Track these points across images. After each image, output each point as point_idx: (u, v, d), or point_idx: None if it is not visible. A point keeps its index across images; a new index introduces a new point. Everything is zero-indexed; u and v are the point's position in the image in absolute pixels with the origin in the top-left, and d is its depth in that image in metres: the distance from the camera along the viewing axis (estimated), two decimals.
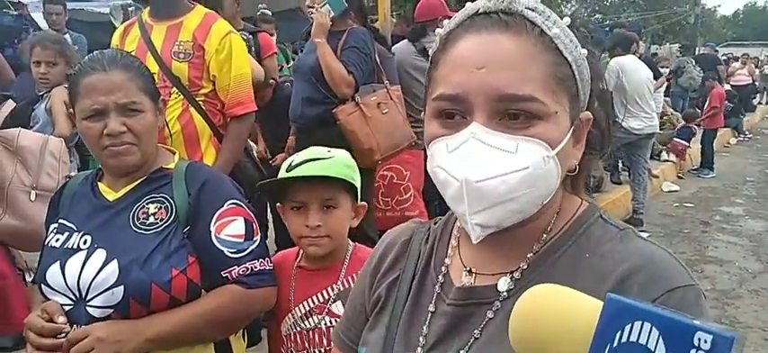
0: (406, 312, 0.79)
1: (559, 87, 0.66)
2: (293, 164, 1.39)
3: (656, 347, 0.44)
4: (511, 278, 0.71)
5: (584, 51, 0.70)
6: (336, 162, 1.40)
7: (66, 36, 5.33)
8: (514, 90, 0.63)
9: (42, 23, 5.79)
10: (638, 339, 0.45)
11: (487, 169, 0.63)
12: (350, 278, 1.41)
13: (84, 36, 5.50)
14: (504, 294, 0.71)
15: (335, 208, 1.39)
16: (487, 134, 0.64)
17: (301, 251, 1.47)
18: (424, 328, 0.76)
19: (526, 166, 0.63)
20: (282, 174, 1.40)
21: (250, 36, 3.74)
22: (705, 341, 0.42)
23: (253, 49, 3.68)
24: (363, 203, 1.47)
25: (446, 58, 0.68)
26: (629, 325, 0.46)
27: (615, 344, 0.46)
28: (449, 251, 0.79)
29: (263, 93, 3.36)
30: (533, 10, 0.67)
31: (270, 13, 5.15)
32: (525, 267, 0.71)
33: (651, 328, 0.45)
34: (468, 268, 0.76)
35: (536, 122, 0.64)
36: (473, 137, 0.64)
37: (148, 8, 2.38)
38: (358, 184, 1.43)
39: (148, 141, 1.35)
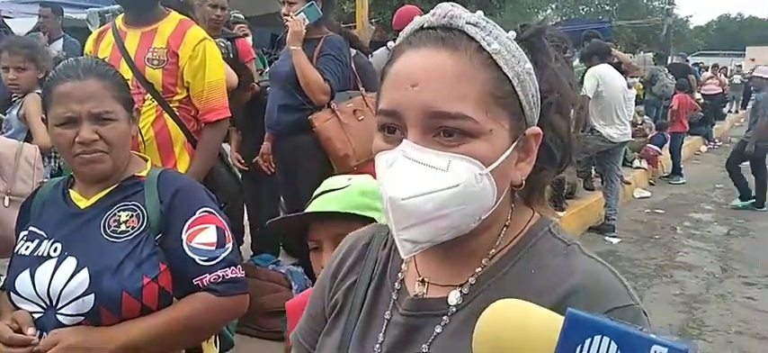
0: (361, 319, 0.79)
1: (496, 105, 0.66)
2: (313, 196, 1.28)
3: None
4: (460, 292, 0.72)
5: (529, 66, 0.69)
6: (350, 192, 1.26)
7: (60, 41, 5.27)
8: (444, 108, 0.64)
9: (16, 29, 5.70)
10: None
11: (414, 187, 0.64)
12: None
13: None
14: (453, 308, 0.72)
15: None
16: (418, 151, 0.64)
17: None
18: (380, 335, 0.76)
19: (457, 183, 0.64)
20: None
21: (228, 42, 3.75)
22: None
23: (231, 55, 3.69)
24: None
25: (389, 72, 0.69)
26: (589, 339, 0.48)
27: None
28: (406, 258, 0.77)
29: (242, 95, 3.37)
30: (475, 25, 0.67)
31: (242, 16, 5.14)
32: (473, 281, 0.72)
33: (610, 342, 0.47)
34: (421, 278, 0.76)
35: (469, 140, 0.65)
36: (402, 155, 0.65)
37: (122, 15, 2.38)
38: (379, 211, 1.28)
39: (120, 150, 1.36)
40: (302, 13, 2.86)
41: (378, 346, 0.76)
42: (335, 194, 1.26)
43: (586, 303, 0.64)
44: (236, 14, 5.03)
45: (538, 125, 0.72)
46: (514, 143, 0.69)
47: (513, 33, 0.71)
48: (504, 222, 0.74)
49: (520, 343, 0.53)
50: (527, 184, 0.73)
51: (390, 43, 3.84)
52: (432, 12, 0.70)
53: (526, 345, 0.52)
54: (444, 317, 0.72)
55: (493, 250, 0.73)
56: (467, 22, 0.67)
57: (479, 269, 0.72)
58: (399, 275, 0.79)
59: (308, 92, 2.87)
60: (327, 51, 2.90)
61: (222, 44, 3.59)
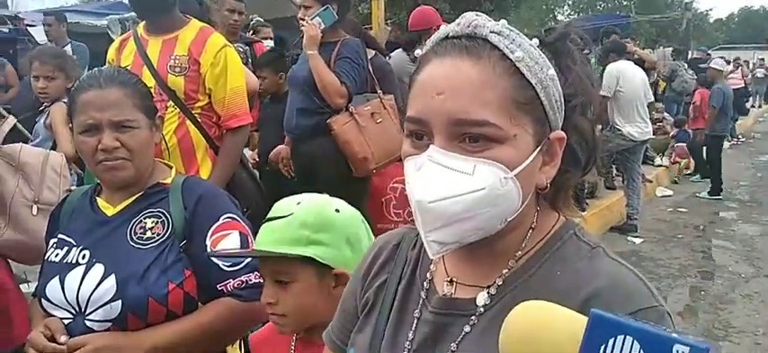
0: (392, 317, 0.82)
1: (520, 111, 0.68)
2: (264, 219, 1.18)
3: None
4: (487, 293, 0.74)
5: (552, 72, 0.71)
6: (290, 224, 1.12)
7: (68, 47, 5.40)
8: (468, 115, 0.66)
9: (39, 37, 5.85)
10: (621, 352, 0.48)
11: (441, 190, 0.66)
12: None
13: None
14: (481, 308, 0.74)
15: (290, 283, 1.13)
16: (444, 156, 0.67)
17: None
18: (411, 333, 0.78)
19: (482, 187, 0.66)
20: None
21: (246, 47, 3.79)
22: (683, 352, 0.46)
23: (249, 60, 3.73)
24: (343, 271, 1.14)
25: (416, 81, 0.72)
26: (613, 339, 0.49)
27: None
28: (435, 258, 0.80)
29: (272, 82, 3.47)
30: (498, 34, 0.69)
31: (263, 19, 5.20)
32: (501, 282, 0.74)
33: (633, 341, 0.48)
34: (449, 278, 0.78)
35: (493, 145, 0.67)
36: (429, 159, 0.68)
37: (144, 23, 2.41)
38: (319, 245, 1.13)
39: (142, 157, 1.38)
40: (317, 18, 2.87)
41: (408, 343, 0.78)
42: (276, 224, 1.15)
43: (610, 304, 0.64)
44: (258, 18, 5.09)
45: (562, 129, 0.73)
46: (539, 147, 0.70)
47: (535, 40, 0.73)
48: (530, 225, 0.75)
49: (546, 343, 0.54)
50: (552, 186, 0.74)
51: (418, 51, 3.87)
52: (456, 21, 0.72)
53: (552, 345, 0.53)
54: (472, 317, 0.74)
55: (519, 252, 0.75)
56: (490, 31, 0.69)
57: (506, 271, 0.74)
58: (428, 274, 0.81)
59: (325, 95, 2.88)
60: (344, 54, 2.91)
61: (241, 49, 3.63)
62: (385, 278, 0.86)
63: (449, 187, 0.66)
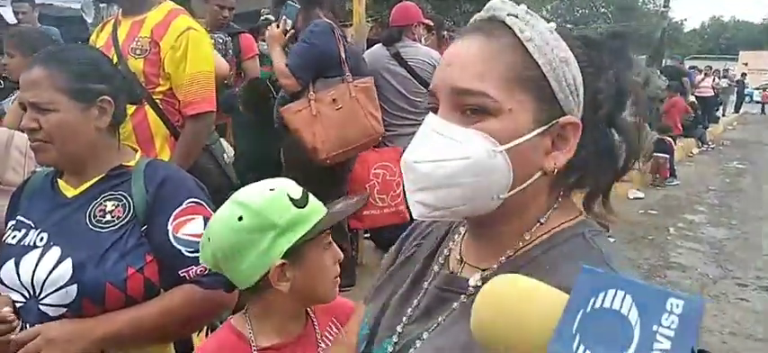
0: (406, 287, 0.85)
1: (520, 88, 0.69)
2: (295, 197, 1.06)
3: (629, 311, 0.45)
4: (480, 275, 0.75)
5: (564, 55, 0.71)
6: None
7: None
8: (466, 84, 0.69)
9: (7, 17, 5.69)
10: (611, 306, 0.46)
11: (427, 153, 0.69)
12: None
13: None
14: (472, 288, 0.74)
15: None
16: (440, 123, 0.70)
17: (250, 328, 1.12)
18: (415, 301, 0.82)
19: (468, 156, 0.68)
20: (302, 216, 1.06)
21: (227, 38, 3.69)
22: (677, 306, 0.44)
23: (230, 51, 3.64)
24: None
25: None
26: (603, 293, 0.47)
27: (588, 309, 0.46)
28: (456, 238, 0.84)
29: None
30: (515, 16, 0.72)
31: (273, 18, 5.09)
32: (496, 267, 0.74)
33: (625, 295, 0.46)
34: (460, 258, 0.81)
35: (488, 118, 0.69)
36: (426, 125, 0.72)
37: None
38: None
39: (65, 142, 1.30)
40: (284, 16, 2.96)
41: (411, 311, 0.81)
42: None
43: None
44: (269, 16, 4.99)
45: (587, 120, 0.72)
46: (541, 129, 0.70)
47: (552, 25, 0.74)
48: (539, 213, 0.74)
49: (523, 309, 0.51)
50: (583, 182, 0.75)
51: (398, 45, 3.88)
52: (485, 7, 0.75)
53: (530, 311, 0.50)
54: (462, 296, 0.75)
55: (521, 243, 0.74)
56: (508, 14, 0.72)
57: (503, 258, 0.74)
58: (446, 251, 0.84)
59: (279, 83, 2.96)
60: (302, 37, 2.94)
61: (220, 40, 3.54)
62: (413, 252, 0.90)
63: (436, 151, 0.68)
